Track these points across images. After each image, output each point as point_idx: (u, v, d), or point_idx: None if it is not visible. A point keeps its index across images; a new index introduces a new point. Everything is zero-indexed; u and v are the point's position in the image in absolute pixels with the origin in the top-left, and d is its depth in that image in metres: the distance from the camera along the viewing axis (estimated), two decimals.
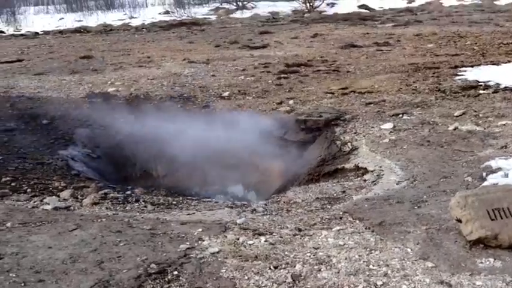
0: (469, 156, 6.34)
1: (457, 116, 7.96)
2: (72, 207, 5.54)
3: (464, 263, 3.87)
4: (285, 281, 3.74)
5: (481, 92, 9.26)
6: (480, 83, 9.79)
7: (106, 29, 24.76)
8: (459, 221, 4.16)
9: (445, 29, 17.89)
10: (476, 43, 14.65)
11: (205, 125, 8.54)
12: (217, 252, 4.19)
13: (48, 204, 5.55)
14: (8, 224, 4.80)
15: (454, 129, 7.40)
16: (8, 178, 6.48)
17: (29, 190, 6.11)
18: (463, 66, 11.49)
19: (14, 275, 3.84)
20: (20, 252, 4.20)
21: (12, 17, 30.72)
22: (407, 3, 29.78)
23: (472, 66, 11.44)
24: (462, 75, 10.64)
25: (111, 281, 3.75)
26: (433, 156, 6.51)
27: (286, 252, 4.19)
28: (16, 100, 10.05)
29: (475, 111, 8.11)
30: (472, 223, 4.06)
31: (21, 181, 6.45)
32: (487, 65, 11.58)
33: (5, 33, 25.80)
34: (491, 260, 3.91)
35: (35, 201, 5.66)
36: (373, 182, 6.13)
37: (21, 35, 24.51)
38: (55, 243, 4.38)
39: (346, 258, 4.03)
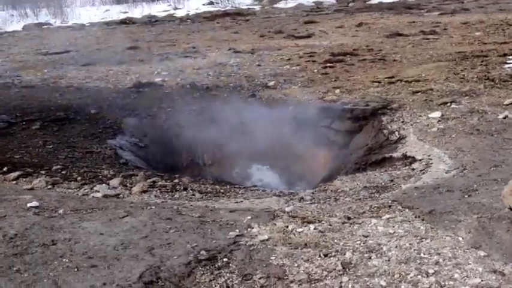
0: None
1: (507, 105, 7.82)
2: (121, 195, 5.62)
3: None
4: (335, 269, 3.73)
5: None
6: None
7: (151, 20, 24.91)
8: None
9: (493, 17, 17.57)
10: None
11: (252, 114, 8.54)
12: (267, 240, 4.19)
13: (99, 191, 5.64)
14: (60, 211, 4.88)
15: (504, 117, 7.27)
16: (58, 166, 6.61)
17: (79, 178, 6.20)
18: None
19: (67, 260, 3.89)
20: (73, 238, 4.26)
21: (59, 9, 31.05)
22: None
23: None
24: (511, 63, 10.44)
25: (162, 267, 3.78)
26: (483, 144, 6.41)
27: (335, 240, 4.17)
28: (65, 90, 10.20)
29: None
30: None
31: (71, 169, 6.57)
32: None
33: (52, 25, 26.17)
34: None
35: (85, 189, 5.76)
36: (421, 170, 6.06)
37: (68, 26, 24.85)
38: (106, 229, 4.44)
39: (396, 247, 3.99)
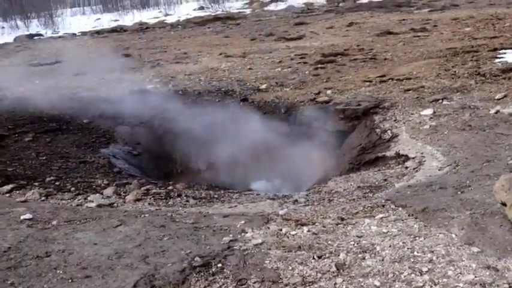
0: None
1: (498, 99, 7.83)
2: (115, 204, 5.61)
3: (510, 247, 3.80)
4: (329, 270, 3.72)
5: None
6: None
7: (142, 27, 24.95)
8: (504, 204, 4.09)
9: (483, 12, 17.60)
10: None
11: (244, 118, 8.54)
12: (261, 244, 4.19)
13: (92, 201, 5.62)
14: (54, 222, 4.87)
15: (496, 112, 7.28)
16: (52, 177, 6.60)
17: (72, 189, 6.20)
18: (502, 48, 11.28)
19: (61, 272, 3.89)
20: (67, 249, 4.26)
21: (50, 20, 31.08)
22: None
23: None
24: (502, 57, 10.45)
25: (156, 275, 3.78)
26: (475, 140, 6.42)
27: (329, 242, 4.17)
28: (57, 101, 10.15)
29: None
30: None
31: (65, 180, 6.57)
32: None
33: (43, 36, 26.15)
34: None
35: (79, 199, 5.74)
36: (414, 168, 6.06)
37: (59, 37, 24.85)
38: (100, 239, 4.43)
39: (390, 246, 3.99)
